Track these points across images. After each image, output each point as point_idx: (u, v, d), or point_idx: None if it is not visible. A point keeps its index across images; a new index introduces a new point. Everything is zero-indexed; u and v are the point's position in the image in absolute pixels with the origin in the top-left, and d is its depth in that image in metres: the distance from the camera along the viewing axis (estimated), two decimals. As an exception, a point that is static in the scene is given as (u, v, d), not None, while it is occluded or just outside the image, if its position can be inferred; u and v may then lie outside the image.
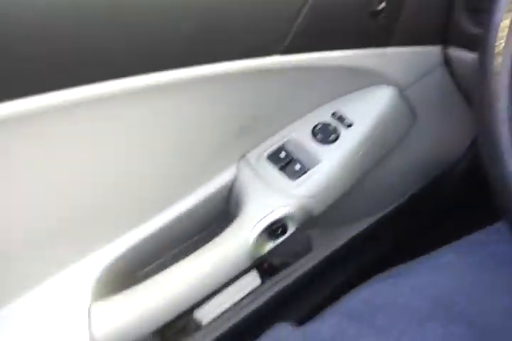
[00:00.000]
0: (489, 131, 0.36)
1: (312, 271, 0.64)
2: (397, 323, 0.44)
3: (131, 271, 0.51)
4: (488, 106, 0.36)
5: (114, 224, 0.46)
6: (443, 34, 0.55)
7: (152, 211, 0.48)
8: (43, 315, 0.42)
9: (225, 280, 0.47)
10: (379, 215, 0.68)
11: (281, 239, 0.50)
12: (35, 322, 0.41)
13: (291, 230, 0.51)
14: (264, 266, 0.66)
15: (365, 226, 0.68)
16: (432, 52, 0.56)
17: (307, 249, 0.65)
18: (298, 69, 0.48)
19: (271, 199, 0.49)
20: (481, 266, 0.49)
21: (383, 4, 0.46)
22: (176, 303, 0.44)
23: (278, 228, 0.49)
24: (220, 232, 0.49)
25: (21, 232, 0.40)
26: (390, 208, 0.69)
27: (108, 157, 0.41)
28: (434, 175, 0.70)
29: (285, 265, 0.65)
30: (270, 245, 0.50)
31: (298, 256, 0.65)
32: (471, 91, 0.61)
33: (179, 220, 0.49)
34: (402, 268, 0.52)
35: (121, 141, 0.41)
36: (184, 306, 0.45)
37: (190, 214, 0.50)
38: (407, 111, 0.57)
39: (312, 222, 0.53)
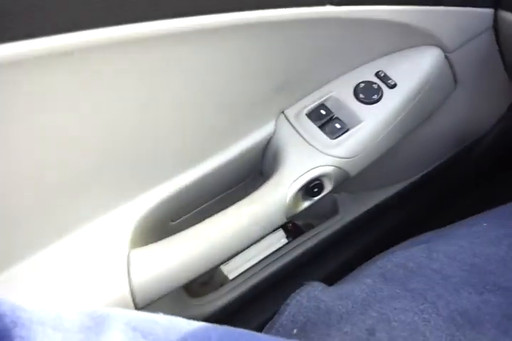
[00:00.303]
0: None
1: (337, 234, 0.64)
2: (432, 288, 0.44)
3: (167, 220, 0.51)
4: None
5: (152, 173, 0.45)
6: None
7: (190, 162, 0.47)
8: (81, 260, 0.41)
9: (260, 235, 0.47)
10: (408, 182, 0.67)
11: (316, 198, 0.50)
12: (73, 268, 0.41)
13: (327, 190, 0.50)
14: (289, 226, 0.66)
15: (393, 192, 0.67)
16: (482, 14, 0.54)
17: (333, 211, 0.65)
18: (347, 22, 0.46)
19: (310, 157, 0.48)
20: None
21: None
22: (212, 255, 0.44)
23: (314, 187, 0.49)
24: (254, 187, 0.49)
25: (59, 178, 0.39)
26: (419, 175, 0.68)
27: (147, 106, 0.40)
28: (466, 144, 0.69)
29: (309, 226, 0.65)
30: (305, 204, 0.49)
31: (323, 218, 0.65)
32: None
33: (215, 173, 0.48)
34: (433, 234, 0.52)
35: (161, 90, 0.40)
36: (219, 259, 0.45)
37: (226, 167, 0.49)
38: (450, 76, 0.56)
39: (343, 184, 0.53)
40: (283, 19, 0.42)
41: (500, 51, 0.59)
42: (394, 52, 0.52)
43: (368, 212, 0.66)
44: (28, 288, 0.39)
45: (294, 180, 0.47)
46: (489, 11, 0.54)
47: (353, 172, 0.51)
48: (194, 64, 0.40)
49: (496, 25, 0.56)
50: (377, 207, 0.67)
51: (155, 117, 0.41)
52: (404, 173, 0.67)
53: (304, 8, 0.43)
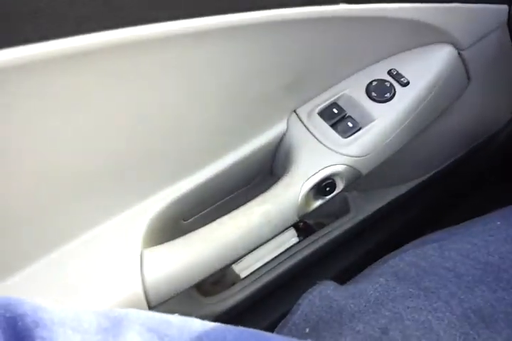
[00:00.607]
0: None
1: (348, 232, 0.64)
2: (445, 286, 0.44)
3: (180, 220, 0.51)
4: None
5: (164, 173, 0.45)
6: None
7: (201, 162, 0.47)
8: (94, 259, 0.42)
9: (272, 235, 0.47)
10: (419, 180, 0.67)
11: (328, 197, 0.49)
12: (87, 267, 0.41)
13: (339, 189, 0.50)
14: (300, 225, 0.66)
15: (405, 191, 0.67)
16: (496, 11, 0.53)
17: (345, 210, 0.65)
18: (361, 20, 0.45)
19: (322, 157, 0.48)
20: None
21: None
22: (223, 255, 0.44)
23: (326, 186, 0.48)
24: (263, 186, 0.48)
25: (72, 179, 0.39)
26: (431, 173, 0.67)
27: (159, 106, 0.40)
28: (478, 142, 0.68)
29: (320, 225, 0.65)
30: (317, 203, 0.49)
31: (334, 217, 0.65)
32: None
33: (226, 172, 0.48)
34: (446, 232, 0.52)
35: (172, 90, 0.40)
36: (231, 258, 0.45)
37: (237, 166, 0.49)
38: (463, 73, 0.55)
39: (354, 183, 0.53)
40: (296, 18, 0.41)
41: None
42: (407, 50, 0.52)
43: (380, 210, 0.66)
44: (43, 288, 0.39)
45: (306, 180, 0.47)
46: (503, 7, 0.54)
47: (364, 170, 0.51)
48: (206, 64, 0.40)
49: (510, 22, 0.55)
50: (389, 205, 0.67)
51: (166, 117, 0.41)
52: (416, 171, 0.67)
53: (317, 7, 0.43)
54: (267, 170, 0.55)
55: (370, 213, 0.65)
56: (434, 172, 0.68)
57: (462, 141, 0.67)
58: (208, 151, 0.47)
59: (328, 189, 0.49)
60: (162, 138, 0.43)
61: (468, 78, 0.56)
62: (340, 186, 0.50)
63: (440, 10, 0.49)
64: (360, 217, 0.64)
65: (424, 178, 0.68)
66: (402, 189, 0.67)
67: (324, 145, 0.49)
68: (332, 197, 0.50)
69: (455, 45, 0.52)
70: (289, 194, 0.46)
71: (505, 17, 0.54)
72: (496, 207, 0.54)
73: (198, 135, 0.45)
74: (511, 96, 0.68)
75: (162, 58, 0.37)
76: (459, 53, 0.53)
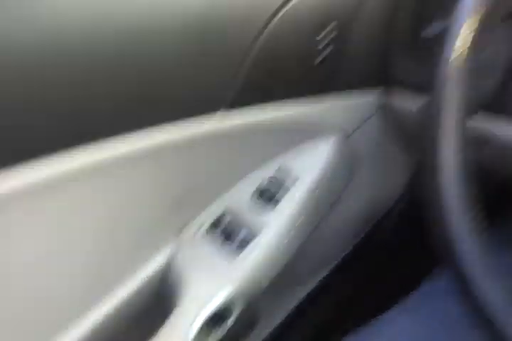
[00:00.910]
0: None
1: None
2: None
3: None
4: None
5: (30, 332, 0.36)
6: (384, 78, 0.53)
7: (73, 314, 0.38)
8: None
9: None
10: (322, 275, 0.63)
11: (228, 324, 0.42)
12: None
13: (237, 311, 0.42)
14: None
15: (312, 287, 0.62)
16: (372, 95, 0.54)
17: (253, 323, 0.57)
18: (240, 126, 0.42)
19: (212, 282, 0.41)
20: (433, 327, 0.47)
21: (326, 52, 0.44)
22: None
23: (223, 313, 0.41)
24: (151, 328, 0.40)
25: None
26: (331, 266, 0.63)
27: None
28: (372, 223, 0.67)
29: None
30: (215, 334, 0.41)
31: (244, 334, 0.57)
32: (407, 135, 0.59)
33: (108, 318, 0.40)
34: (353, 336, 0.49)
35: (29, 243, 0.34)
36: None
37: (116, 314, 0.40)
38: (350, 161, 0.54)
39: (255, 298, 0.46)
40: (170, 136, 0.38)
41: (394, 128, 0.58)
42: (292, 146, 0.49)
43: (288, 317, 0.60)
44: None
45: (196, 315, 0.39)
46: (378, 90, 0.54)
47: (264, 282, 0.45)
48: (69, 209, 0.35)
49: (387, 104, 0.55)
50: (300, 305, 0.61)
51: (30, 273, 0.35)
52: (316, 267, 0.63)
53: (195, 119, 0.39)
54: (157, 304, 0.46)
55: (277, 323, 0.58)
56: (334, 264, 0.64)
57: (358, 226, 0.64)
58: (80, 301, 0.39)
59: (226, 315, 0.42)
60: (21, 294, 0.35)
61: (355, 163, 0.55)
62: (238, 308, 0.43)
63: (318, 102, 0.48)
64: (267, 330, 0.57)
65: (325, 273, 0.63)
66: (309, 286, 0.61)
67: (214, 267, 0.42)
68: (233, 323, 0.43)
69: (338, 133, 0.51)
70: (177, 337, 0.38)
71: (382, 100, 0.55)
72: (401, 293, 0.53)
73: (69, 284, 0.38)
74: (398, 174, 0.68)
75: None
76: (343, 140, 0.51)
